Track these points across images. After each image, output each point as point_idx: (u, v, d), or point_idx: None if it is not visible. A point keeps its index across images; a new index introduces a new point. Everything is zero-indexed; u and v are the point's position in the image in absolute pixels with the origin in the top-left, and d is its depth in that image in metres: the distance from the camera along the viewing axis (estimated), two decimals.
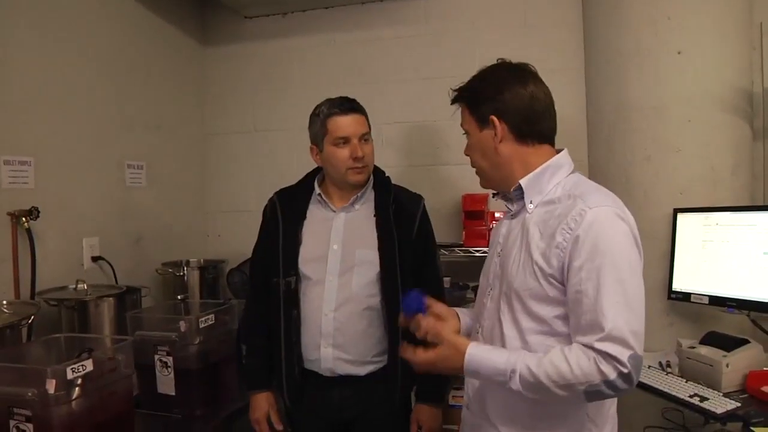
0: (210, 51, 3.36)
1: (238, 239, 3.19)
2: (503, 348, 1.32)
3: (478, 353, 1.28)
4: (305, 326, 1.88)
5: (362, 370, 1.87)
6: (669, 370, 2.11)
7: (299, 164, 2.71)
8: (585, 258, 1.20)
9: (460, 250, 2.70)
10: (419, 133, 3.00)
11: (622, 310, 1.17)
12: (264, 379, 1.98)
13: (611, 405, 1.37)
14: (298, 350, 1.89)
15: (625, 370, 1.16)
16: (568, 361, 1.18)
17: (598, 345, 1.16)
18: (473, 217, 2.70)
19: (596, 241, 1.20)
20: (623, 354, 1.15)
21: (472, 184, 2.65)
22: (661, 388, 1.95)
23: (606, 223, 1.21)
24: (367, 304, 1.86)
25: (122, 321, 2.14)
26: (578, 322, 1.21)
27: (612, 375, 1.15)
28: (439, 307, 1.48)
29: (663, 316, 2.34)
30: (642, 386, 1.98)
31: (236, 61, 3.31)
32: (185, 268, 2.84)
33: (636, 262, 1.23)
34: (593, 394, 1.18)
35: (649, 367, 2.14)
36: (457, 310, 1.55)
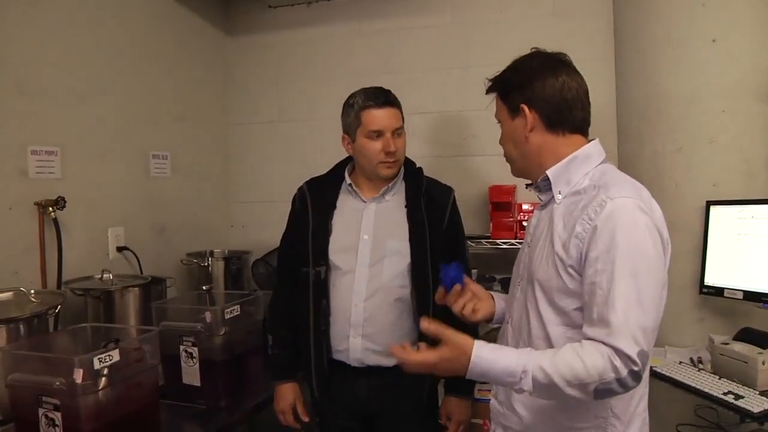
0: (234, 40, 3.35)
1: (262, 230, 3.21)
2: (509, 347, 1.30)
3: (485, 354, 1.24)
4: (334, 316, 1.88)
5: (390, 362, 1.82)
6: (701, 366, 2.08)
7: (324, 155, 2.77)
8: (601, 249, 1.20)
9: (486, 241, 2.69)
10: (446, 124, 2.98)
11: (633, 305, 1.16)
12: (290, 369, 2.00)
13: (639, 401, 1.35)
14: (327, 340, 1.89)
15: (636, 368, 1.15)
16: (582, 359, 1.17)
17: (609, 340, 1.16)
18: (500, 208, 2.69)
19: (614, 232, 1.19)
20: (633, 350, 1.15)
21: (500, 175, 2.79)
22: (693, 384, 1.92)
23: (625, 215, 1.20)
24: (397, 295, 1.86)
25: (147, 311, 2.15)
26: (590, 315, 1.21)
27: (624, 372, 1.15)
28: (475, 286, 1.52)
29: (694, 311, 2.30)
30: (674, 382, 1.97)
31: (260, 51, 3.30)
32: (209, 259, 2.84)
33: (654, 256, 1.21)
34: (603, 392, 1.17)
35: (680, 363, 2.11)
36: (494, 294, 1.57)
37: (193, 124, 3.09)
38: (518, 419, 1.39)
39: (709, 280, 2.20)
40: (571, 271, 1.26)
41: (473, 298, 1.50)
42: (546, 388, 1.19)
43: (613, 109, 2.67)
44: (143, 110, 2.74)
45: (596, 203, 1.23)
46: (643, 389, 1.36)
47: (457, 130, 2.96)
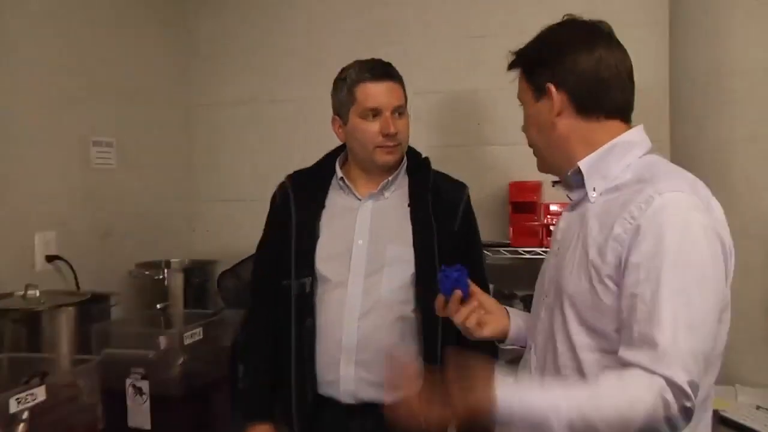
0: (198, 3, 3.29)
1: (231, 235, 3.17)
2: (533, 383, 1.32)
3: (511, 394, 1.20)
4: (322, 339, 1.86)
5: (390, 397, 1.77)
6: None
7: (307, 143, 2.71)
8: (645, 254, 1.17)
9: (506, 250, 2.64)
10: (457, 106, 2.94)
11: (682, 325, 1.13)
12: (264, 406, 1.95)
13: None
14: (312, 369, 1.86)
15: (689, 404, 1.11)
16: (627, 392, 1.13)
17: (656, 367, 1.11)
18: (522, 209, 2.66)
19: (661, 234, 1.16)
20: (684, 380, 1.10)
21: (522, 170, 2.69)
22: None
23: (677, 213, 1.18)
24: (398, 313, 1.84)
25: (85, 336, 2.09)
26: (630, 334, 1.17)
27: (675, 408, 1.10)
28: (485, 297, 1.52)
29: None
30: None
31: (231, 14, 3.25)
32: (166, 271, 2.76)
33: (711, 267, 1.18)
34: (647, 430, 1.12)
35: (758, 408, 2.03)
36: (511, 310, 1.57)
37: (145, 103, 3.02)
38: None
39: None
40: (608, 281, 1.22)
41: (479, 309, 1.49)
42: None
43: (666, 86, 2.64)
44: (81, 85, 2.65)
45: (641, 199, 1.20)
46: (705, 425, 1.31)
47: (471, 114, 2.93)
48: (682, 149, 2.49)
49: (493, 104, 2.84)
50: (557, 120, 1.34)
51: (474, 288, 1.51)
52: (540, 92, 1.36)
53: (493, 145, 2.88)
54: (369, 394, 1.81)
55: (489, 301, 1.53)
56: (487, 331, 1.47)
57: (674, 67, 2.61)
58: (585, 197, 1.34)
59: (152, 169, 3.05)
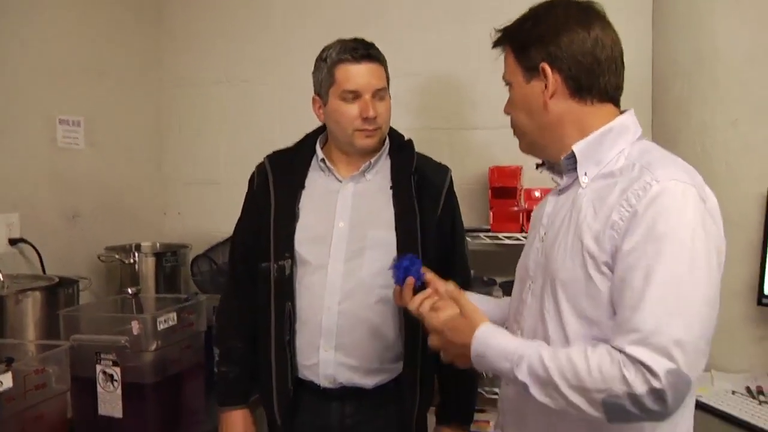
0: None
1: (203, 218, 3.16)
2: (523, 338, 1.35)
3: (491, 331, 1.30)
4: (302, 323, 1.86)
5: (370, 381, 1.85)
6: (762, 398, 2.02)
7: (284, 125, 2.77)
8: (637, 240, 1.17)
9: (486, 236, 2.64)
10: (436, 89, 2.91)
11: (671, 311, 1.13)
12: (241, 391, 1.98)
13: None
14: (292, 353, 1.86)
15: (658, 385, 1.10)
16: (588, 359, 1.16)
17: (630, 349, 1.13)
18: (502, 195, 2.65)
19: (655, 220, 1.17)
20: (660, 366, 1.10)
21: (503, 154, 2.69)
22: (756, 423, 1.86)
23: (674, 200, 1.18)
24: (379, 296, 1.84)
25: (53, 322, 2.05)
26: (618, 320, 1.19)
27: (639, 388, 1.11)
28: (442, 285, 1.56)
29: (750, 328, 2.25)
30: (726, 417, 1.93)
31: None
32: (136, 254, 2.76)
33: (704, 255, 1.17)
34: (614, 408, 1.14)
35: (734, 392, 2.07)
36: (476, 296, 1.61)
37: (114, 81, 2.96)
38: None
39: None
40: (605, 269, 1.22)
41: (434, 295, 1.53)
42: (542, 382, 1.20)
43: (648, 72, 2.63)
44: (47, 62, 2.60)
45: (638, 186, 1.20)
46: (686, 424, 1.33)
47: (451, 97, 2.90)
48: (664, 135, 2.48)
49: (472, 87, 2.83)
50: (550, 102, 1.33)
51: (430, 276, 1.58)
52: (532, 72, 1.34)
53: (473, 129, 2.86)
54: (349, 377, 1.83)
55: (447, 287, 1.55)
56: (443, 317, 1.45)
57: (657, 53, 2.60)
58: (575, 182, 1.34)
59: (122, 149, 3.01)
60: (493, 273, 2.71)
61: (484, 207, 2.71)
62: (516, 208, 2.61)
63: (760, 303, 2.18)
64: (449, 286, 1.54)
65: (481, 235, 2.63)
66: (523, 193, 2.64)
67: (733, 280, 2.17)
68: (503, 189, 2.63)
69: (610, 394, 1.12)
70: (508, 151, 2.67)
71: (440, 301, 1.49)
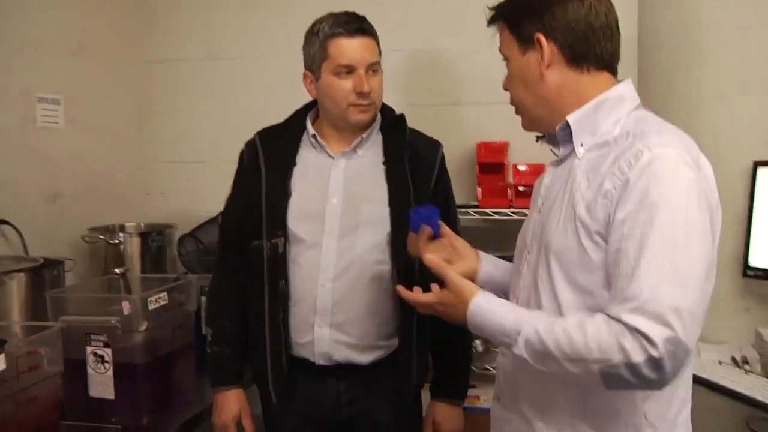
0: None
1: (187, 198, 3.13)
2: (519, 306, 1.35)
3: (485, 305, 1.30)
4: (295, 301, 1.85)
5: (366, 357, 1.85)
6: (747, 367, 2.06)
7: (268, 102, 2.72)
8: (630, 209, 1.17)
9: (474, 211, 2.65)
10: (424, 65, 2.90)
11: (667, 279, 1.13)
12: (235, 371, 1.97)
13: (681, 408, 1.33)
14: (287, 332, 1.86)
15: (656, 354, 1.10)
16: (585, 331, 1.16)
17: (627, 317, 1.12)
18: (490, 170, 2.67)
19: (648, 188, 1.16)
20: (657, 333, 1.10)
21: (491, 130, 2.69)
22: (741, 391, 1.89)
23: (666, 168, 1.17)
24: (373, 273, 1.84)
25: (39, 304, 2.03)
26: (613, 291, 1.19)
27: (637, 357, 1.11)
28: (457, 240, 1.58)
29: (736, 299, 2.27)
30: (714, 387, 1.95)
31: None
32: (121, 235, 2.74)
33: (699, 222, 1.17)
34: (612, 378, 1.15)
35: (720, 362, 2.09)
36: (483, 254, 1.60)
37: (95, 59, 2.91)
38: (526, 425, 1.38)
39: (756, 260, 2.17)
40: (597, 238, 1.23)
41: (446, 247, 1.55)
42: (540, 355, 1.21)
43: (634, 44, 2.63)
44: (24, 38, 2.55)
45: (630, 154, 1.20)
46: (685, 392, 1.34)
47: (439, 73, 2.90)
48: (650, 108, 2.41)
49: (462, 63, 2.82)
50: (546, 72, 1.32)
51: (445, 230, 1.57)
52: (527, 44, 1.34)
53: (461, 105, 2.86)
54: (344, 355, 1.83)
55: (461, 243, 1.57)
56: (453, 276, 1.43)
57: (643, 24, 2.60)
58: (572, 153, 1.33)
59: (103, 128, 2.97)
60: (482, 248, 2.63)
61: (472, 183, 2.72)
62: (503, 184, 2.63)
63: (744, 275, 2.20)
64: (461, 243, 1.57)
65: (470, 211, 2.63)
66: (511, 168, 2.65)
67: (719, 252, 2.15)
68: (491, 165, 2.66)
69: (608, 365, 1.13)
70: (495, 127, 2.70)
71: (455, 256, 1.52)
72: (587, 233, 1.23)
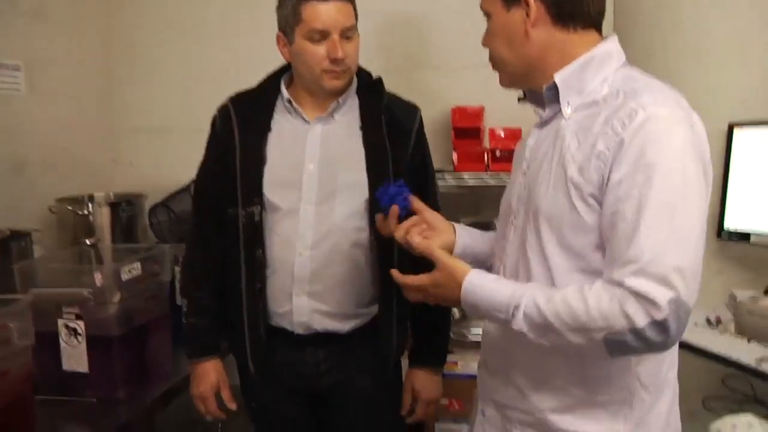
0: None
1: (156, 167, 3.09)
2: (512, 280, 1.33)
3: (477, 282, 1.29)
4: (273, 270, 1.84)
5: (345, 326, 1.85)
6: (722, 327, 2.09)
7: (239, 68, 2.68)
8: (626, 171, 1.16)
9: (450, 176, 2.66)
10: (398, 28, 2.89)
11: (667, 239, 1.12)
12: (212, 342, 1.95)
13: (670, 367, 1.34)
14: (264, 302, 1.84)
15: (660, 316, 1.09)
16: (585, 299, 1.15)
17: (629, 281, 1.11)
18: (466, 135, 2.68)
19: (643, 148, 1.15)
20: (661, 295, 1.09)
21: (465, 95, 2.68)
22: (717, 351, 1.92)
23: (661, 127, 1.16)
24: (352, 240, 1.83)
25: (7, 277, 2.00)
26: (611, 254, 1.18)
27: (641, 321, 1.10)
28: (430, 214, 1.54)
29: (710, 261, 2.24)
30: (690, 348, 1.96)
31: None
32: (90, 205, 2.70)
33: (695, 181, 1.17)
34: (616, 345, 1.14)
35: (696, 324, 2.12)
36: (458, 226, 1.58)
37: (57, 23, 2.85)
38: (517, 392, 1.37)
39: (731, 222, 2.20)
40: (591, 200, 1.21)
41: (420, 223, 1.52)
42: (542, 329, 1.20)
43: (611, 14, 2.57)
44: None
45: (623, 113, 1.18)
46: (673, 352, 1.34)
47: (413, 37, 2.89)
48: None
49: (435, 27, 2.81)
50: (531, 31, 1.29)
51: (418, 204, 1.54)
52: (512, 0, 1.31)
53: (435, 69, 2.85)
54: (322, 324, 1.82)
55: (434, 217, 1.54)
56: (433, 249, 1.43)
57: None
58: (558, 113, 1.31)
59: (67, 96, 2.91)
60: (458, 214, 2.69)
61: (447, 148, 2.71)
62: (480, 149, 2.64)
63: (719, 237, 2.23)
64: (434, 217, 1.54)
65: (446, 175, 2.63)
66: (487, 132, 2.65)
67: None
68: (466, 129, 2.65)
69: (611, 332, 1.12)
70: (470, 92, 2.69)
71: (428, 231, 1.50)
72: (579, 195, 1.22)
